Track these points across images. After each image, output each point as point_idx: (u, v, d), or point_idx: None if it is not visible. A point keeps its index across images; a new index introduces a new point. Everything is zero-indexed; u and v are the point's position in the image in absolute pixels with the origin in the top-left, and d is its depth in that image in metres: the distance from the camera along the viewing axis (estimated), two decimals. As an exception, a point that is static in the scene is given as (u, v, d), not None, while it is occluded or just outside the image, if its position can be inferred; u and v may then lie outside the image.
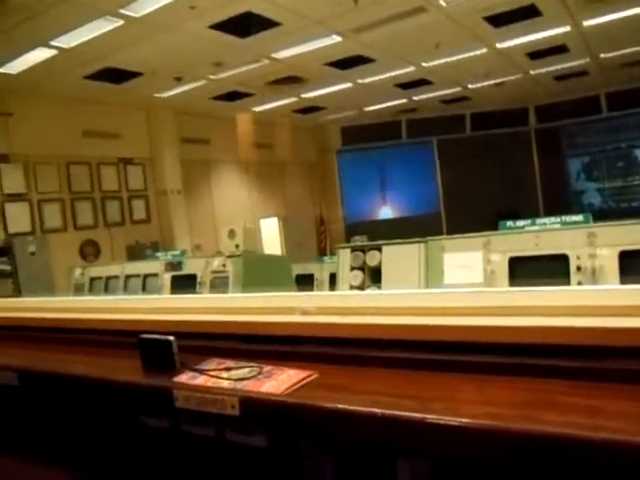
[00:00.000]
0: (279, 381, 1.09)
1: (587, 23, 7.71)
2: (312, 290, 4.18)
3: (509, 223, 2.46)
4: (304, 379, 1.09)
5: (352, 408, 0.97)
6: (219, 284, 3.26)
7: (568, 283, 2.20)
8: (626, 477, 0.74)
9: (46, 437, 1.24)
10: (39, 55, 6.80)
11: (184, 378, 1.19)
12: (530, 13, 7.09)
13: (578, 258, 2.19)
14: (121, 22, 6.06)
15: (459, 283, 2.38)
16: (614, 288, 1.76)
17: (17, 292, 7.20)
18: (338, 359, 1.19)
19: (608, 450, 0.75)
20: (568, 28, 7.85)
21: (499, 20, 7.24)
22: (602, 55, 9.50)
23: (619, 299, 1.09)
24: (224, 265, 3.28)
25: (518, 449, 0.84)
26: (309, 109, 11.45)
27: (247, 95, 9.87)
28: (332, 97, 10.47)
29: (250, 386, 1.09)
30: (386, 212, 13.63)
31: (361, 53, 8.20)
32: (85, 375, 1.39)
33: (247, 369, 1.18)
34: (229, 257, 3.34)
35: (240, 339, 1.37)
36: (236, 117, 11.24)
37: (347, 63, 8.57)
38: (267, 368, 1.17)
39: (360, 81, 9.70)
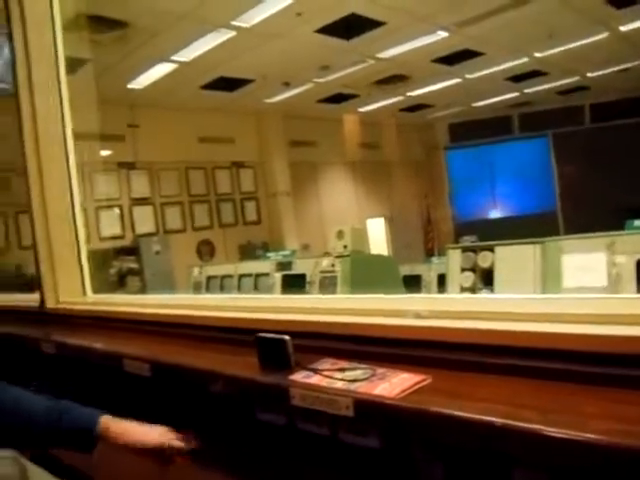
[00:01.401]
0: (392, 384, 1.09)
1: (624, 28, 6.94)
2: (419, 291, 4.13)
3: (637, 222, 2.27)
4: (418, 383, 1.09)
5: (468, 415, 0.95)
6: (328, 284, 3.32)
7: None
8: None
9: (171, 426, 1.34)
10: (161, 70, 7.35)
11: (299, 377, 1.23)
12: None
13: None
14: (233, 33, 6.37)
15: (580, 287, 2.24)
16: None
17: (143, 288, 7.82)
18: (452, 364, 1.17)
19: None
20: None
21: (621, 0, 6.69)
22: None
23: None
24: (332, 265, 3.34)
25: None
26: (415, 107, 11.30)
27: (352, 96, 9.94)
28: (439, 94, 10.26)
29: (363, 388, 1.10)
30: (497, 211, 13.09)
31: (468, 47, 7.96)
32: (208, 369, 1.49)
33: (360, 370, 1.19)
34: (337, 257, 3.40)
35: (353, 340, 1.39)
36: (342, 118, 11.37)
37: (454, 58, 8.35)
38: (380, 370, 1.18)
39: (468, 76, 9.41)
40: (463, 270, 2.59)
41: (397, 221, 12.19)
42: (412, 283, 4.19)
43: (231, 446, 1.53)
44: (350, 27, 6.63)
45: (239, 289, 4.28)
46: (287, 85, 8.78)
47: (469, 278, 2.56)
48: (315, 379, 1.20)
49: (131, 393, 1.78)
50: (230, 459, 1.49)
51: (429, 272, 4.26)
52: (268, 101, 9.53)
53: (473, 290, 2.54)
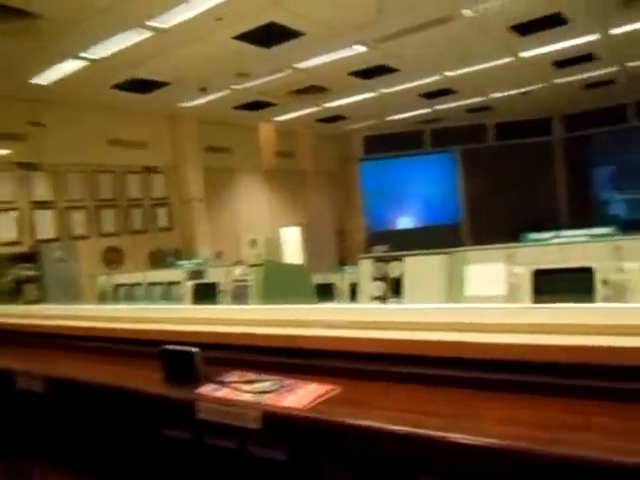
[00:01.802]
0: (300, 395, 1.08)
1: (615, 31, 7.60)
2: (332, 300, 4.18)
3: (533, 235, 2.43)
4: (326, 394, 1.09)
5: (374, 425, 0.96)
6: (240, 293, 3.28)
7: (593, 297, 2.16)
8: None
9: (69, 445, 1.25)
10: (70, 66, 6.96)
11: (207, 390, 1.20)
12: (556, 22, 7.03)
13: (604, 272, 2.14)
14: (149, 34, 6.17)
15: (482, 295, 2.36)
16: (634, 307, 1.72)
17: (42, 298, 7.32)
18: (361, 374, 1.18)
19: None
20: (595, 36, 7.75)
21: (525, 29, 7.18)
22: (630, 64, 9.36)
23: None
24: (246, 274, 3.30)
25: (546, 472, 0.82)
26: (332, 118, 11.48)
27: (270, 105, 9.94)
28: (355, 106, 10.49)
29: (272, 400, 1.09)
30: (408, 222, 13.57)
31: (385, 63, 8.21)
32: (108, 384, 1.41)
33: (269, 382, 1.18)
34: (251, 266, 3.36)
35: (263, 351, 1.37)
36: (259, 126, 11.33)
37: (371, 72, 8.58)
38: (289, 381, 1.17)
39: (384, 90, 9.70)
40: (374, 280, 2.64)
41: (312, 230, 12.30)
42: (325, 292, 4.23)
43: (137, 464, 1.46)
44: (270, 36, 6.63)
45: (148, 298, 4.13)
46: (204, 90, 8.63)
47: (380, 287, 2.62)
48: (223, 392, 1.17)
49: (24, 412, 1.65)
50: (137, 478, 1.41)
51: (342, 281, 4.32)
52: (184, 105, 9.32)
53: (384, 299, 2.60)
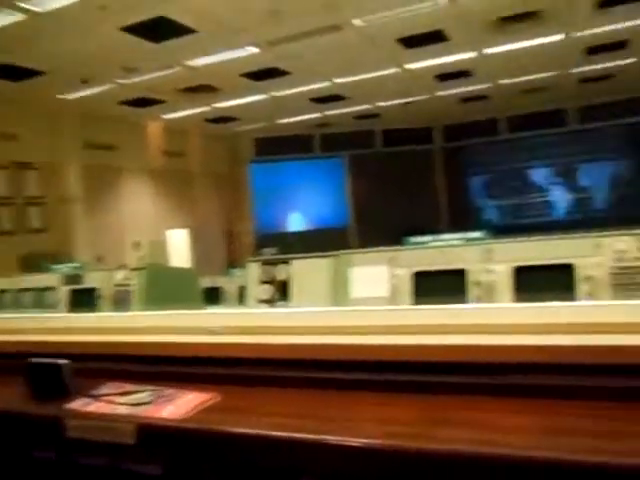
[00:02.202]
0: (179, 405, 1.05)
1: (490, 51, 8.22)
2: (220, 304, 4.10)
3: (413, 239, 2.55)
4: (205, 402, 1.06)
5: (253, 432, 0.95)
6: (122, 298, 3.11)
7: (466, 298, 2.30)
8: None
9: None
10: None
11: (77, 405, 1.12)
12: (438, 38, 7.46)
13: (475, 273, 2.30)
14: (21, 16, 5.69)
15: (366, 297, 2.43)
16: (513, 306, 1.84)
17: None
18: (243, 380, 1.17)
19: (505, 464, 0.78)
20: (472, 54, 8.33)
21: (410, 42, 7.55)
22: (503, 81, 10.17)
23: (516, 317, 1.15)
24: (128, 278, 3.14)
25: (417, 467, 0.86)
26: (222, 119, 11.31)
27: (158, 102, 9.59)
28: (246, 108, 10.42)
29: (148, 411, 1.04)
30: (297, 225, 13.70)
31: (277, 65, 8.23)
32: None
33: (146, 393, 1.12)
34: (133, 270, 3.21)
35: (143, 361, 1.31)
36: (146, 124, 10.88)
37: (262, 75, 8.57)
38: (168, 391, 1.12)
39: (275, 93, 9.73)
40: (262, 283, 2.63)
41: (200, 232, 12.02)
42: (213, 295, 4.14)
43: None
44: (159, 30, 6.39)
45: (20, 306, 3.79)
46: (86, 83, 8.12)
47: (267, 291, 2.62)
48: (94, 406, 1.10)
49: None
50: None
51: (230, 284, 4.26)
52: (63, 97, 8.70)
53: (271, 302, 2.60)
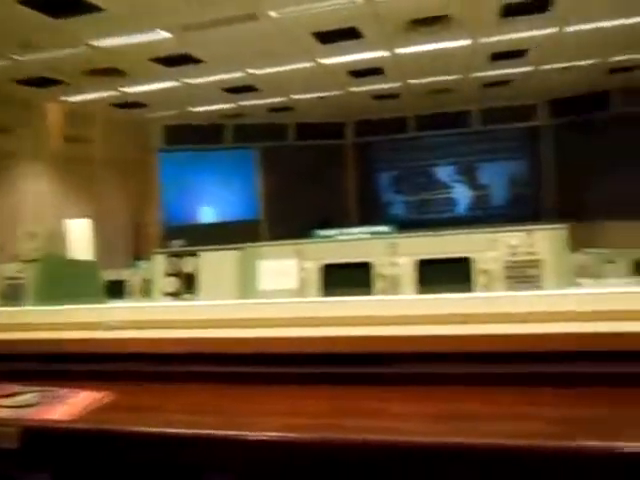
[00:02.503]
0: (69, 406, 0.99)
1: (401, 51, 8.46)
2: (124, 298, 3.94)
3: (322, 232, 2.58)
4: (98, 401, 1.01)
5: (149, 430, 0.92)
6: (12, 293, 2.90)
7: (372, 290, 2.37)
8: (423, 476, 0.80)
9: None
10: None
11: (-47, 408, 1.02)
12: (352, 35, 7.57)
13: (380, 266, 2.37)
14: None
15: (274, 289, 2.43)
16: (411, 298, 1.91)
17: None
18: (141, 377, 1.12)
19: (406, 450, 0.81)
20: (384, 53, 8.53)
21: (325, 37, 7.60)
22: (412, 81, 10.51)
23: (416, 309, 1.19)
24: (20, 271, 2.93)
25: (324, 458, 0.86)
26: (130, 104, 10.83)
27: (60, 83, 9.01)
28: (156, 94, 10.04)
29: (34, 413, 0.97)
30: (207, 216, 13.43)
31: (189, 52, 7.99)
32: None
33: (34, 394, 1.05)
34: (26, 262, 2.99)
35: (34, 359, 1.23)
36: (45, 106, 10.19)
37: (174, 61, 8.28)
38: (60, 391, 1.06)
39: (186, 81, 9.45)
40: (168, 275, 2.56)
41: (104, 223, 11.45)
42: (116, 289, 3.97)
43: None
44: (61, 5, 6.00)
45: None
46: (-26, 57, 7.47)
47: (173, 283, 2.54)
48: (-26, 409, 1.01)
49: None
50: None
51: (135, 277, 4.10)
52: (-53, 72, 7.96)
53: (177, 295, 2.53)
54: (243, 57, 8.40)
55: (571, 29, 7.83)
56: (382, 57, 8.73)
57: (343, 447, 0.82)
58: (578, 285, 6.78)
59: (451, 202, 13.87)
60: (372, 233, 2.60)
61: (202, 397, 1.05)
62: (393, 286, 2.38)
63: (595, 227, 11.74)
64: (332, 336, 1.13)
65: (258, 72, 9.23)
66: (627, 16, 7.50)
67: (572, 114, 12.27)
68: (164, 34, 7.14)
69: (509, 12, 7.06)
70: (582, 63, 9.78)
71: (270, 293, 2.36)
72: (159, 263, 2.60)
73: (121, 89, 9.71)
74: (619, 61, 9.77)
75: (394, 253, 2.38)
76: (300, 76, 9.46)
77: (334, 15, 6.80)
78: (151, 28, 6.93)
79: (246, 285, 2.41)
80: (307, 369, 1.08)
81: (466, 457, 0.75)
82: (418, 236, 2.43)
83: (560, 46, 8.60)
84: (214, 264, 2.52)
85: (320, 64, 8.93)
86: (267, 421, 0.94)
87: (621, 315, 0.95)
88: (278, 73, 9.21)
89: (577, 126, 12.16)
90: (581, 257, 6.81)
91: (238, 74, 9.29)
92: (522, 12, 7.07)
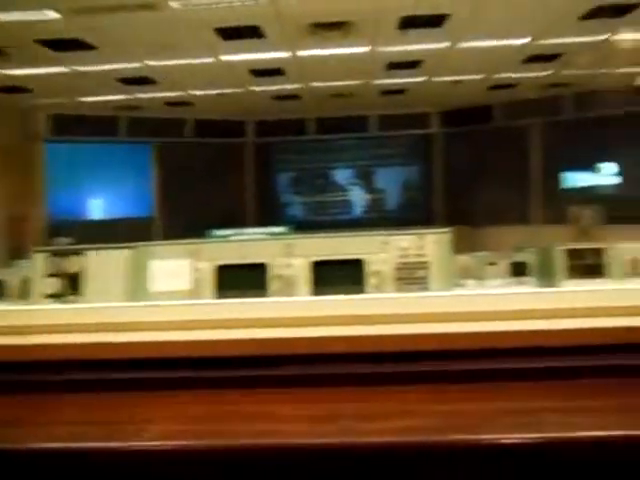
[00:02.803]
0: None
1: (303, 53, 8.54)
2: (1, 299, 3.63)
3: (217, 232, 2.54)
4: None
5: (27, 446, 0.85)
6: None
7: (267, 291, 2.37)
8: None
9: None
10: None
11: None
12: (255, 34, 7.51)
13: (276, 267, 2.38)
14: None
15: (167, 290, 2.36)
16: (309, 300, 1.93)
17: None
18: (12, 387, 1.04)
19: (290, 452, 0.81)
20: (287, 54, 8.57)
21: (227, 34, 7.48)
22: (314, 84, 10.65)
23: (312, 310, 1.20)
24: None
25: (204, 463, 0.85)
26: (12, 89, 10.00)
27: None
28: (42, 79, 9.36)
29: None
30: (97, 213, 12.73)
31: (81, 37, 7.52)
32: None
33: None
34: None
35: None
36: None
37: (63, 45, 7.75)
38: None
39: (77, 68, 8.90)
40: (49, 275, 2.39)
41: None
42: (-9, 289, 3.64)
43: None
44: None
45: None
46: None
47: (55, 284, 2.38)
48: None
49: None
50: None
51: (13, 277, 3.78)
52: None
53: (60, 297, 2.37)
54: (140, 47, 8.06)
55: (462, 45, 8.34)
56: (284, 58, 8.76)
57: (224, 452, 0.81)
58: (462, 286, 7.23)
59: (348, 204, 14.25)
60: (268, 234, 2.59)
61: (80, 407, 0.99)
62: (288, 287, 2.40)
63: (479, 231, 12.60)
64: (224, 339, 1.11)
65: (156, 64, 8.90)
66: (510, 38, 8.12)
67: (460, 125, 13.09)
68: (52, 14, 6.66)
69: (407, 24, 7.37)
70: (470, 77, 10.45)
71: (162, 295, 2.28)
72: (39, 262, 2.41)
73: (2, 71, 8.95)
74: (501, 78, 10.56)
75: (290, 254, 2.40)
76: (200, 71, 9.26)
77: (237, 12, 6.72)
78: (37, 7, 6.44)
79: (136, 286, 2.31)
80: (192, 373, 1.06)
81: (351, 456, 0.77)
82: (313, 237, 2.47)
83: (451, 60, 9.13)
84: (102, 264, 2.39)
85: (221, 60, 8.79)
86: (149, 429, 0.90)
87: (498, 315, 1.02)
88: (177, 66, 8.94)
89: (464, 136, 13.00)
90: (466, 259, 7.27)
91: (134, 64, 8.89)
92: (419, 25, 7.42)
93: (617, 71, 9.96)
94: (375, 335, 1.02)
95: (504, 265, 7.37)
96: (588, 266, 5.89)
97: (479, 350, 0.86)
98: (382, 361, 0.95)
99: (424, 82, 10.70)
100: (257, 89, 10.81)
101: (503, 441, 0.75)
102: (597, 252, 5.91)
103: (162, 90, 10.64)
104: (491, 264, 7.33)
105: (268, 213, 13.50)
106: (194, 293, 2.31)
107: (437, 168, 13.85)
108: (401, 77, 10.27)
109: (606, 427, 0.73)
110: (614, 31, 7.65)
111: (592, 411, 0.77)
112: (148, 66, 9.01)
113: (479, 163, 12.66)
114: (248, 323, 1.16)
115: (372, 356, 0.97)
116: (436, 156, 13.83)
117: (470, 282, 7.19)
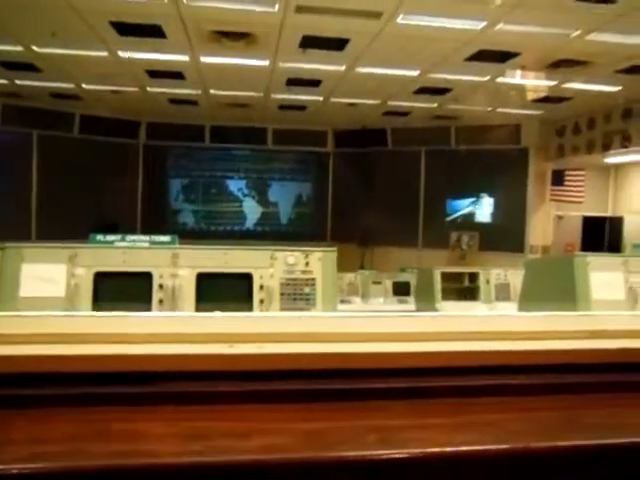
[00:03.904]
0: None
1: (204, 59, 8.42)
2: None
3: (99, 237, 2.42)
4: None
5: None
6: None
7: (150, 301, 2.29)
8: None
9: None
10: None
11: None
12: (156, 33, 7.29)
13: (161, 277, 2.31)
14: None
15: (39, 296, 2.20)
16: (196, 315, 1.89)
17: None
18: None
19: (153, 474, 0.79)
20: (186, 58, 8.39)
21: (125, 29, 7.18)
22: (213, 91, 10.52)
23: (197, 327, 1.17)
24: None
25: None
26: None
27: None
28: None
29: None
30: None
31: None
32: None
33: None
34: None
35: None
36: None
37: None
38: None
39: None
40: None
41: None
42: None
43: None
44: None
45: None
46: None
47: None
48: None
49: None
50: None
51: None
52: None
53: None
54: (27, 30, 7.50)
55: (359, 70, 8.68)
56: (184, 62, 8.58)
57: (89, 474, 0.78)
58: (348, 302, 7.45)
59: (241, 216, 14.15)
60: (154, 242, 2.51)
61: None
62: (173, 298, 2.34)
63: (368, 250, 13.08)
64: (80, 354, 1.06)
65: (44, 51, 8.32)
66: (402, 69, 8.59)
67: (355, 146, 13.57)
68: None
69: (309, 44, 7.55)
70: (365, 102, 10.89)
71: (33, 300, 2.12)
72: None
73: None
74: (394, 105, 11.12)
75: (175, 264, 2.34)
76: (92, 64, 8.80)
77: (138, 8, 6.49)
78: None
79: (4, 291, 2.13)
80: (59, 390, 1.00)
81: (215, 475, 0.77)
82: (201, 248, 2.42)
83: (349, 83, 9.46)
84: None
85: (117, 56, 8.42)
86: (8, 451, 0.84)
87: (364, 337, 1.07)
88: (68, 57, 8.43)
89: (358, 157, 13.50)
90: (352, 277, 7.54)
91: (17, 47, 8.25)
92: (320, 46, 7.62)
93: (498, 110, 10.89)
94: (240, 354, 1.01)
95: (388, 284, 7.75)
96: (463, 289, 6.35)
97: (345, 370, 0.90)
98: (248, 379, 0.95)
99: (322, 101, 10.98)
100: (154, 90, 10.47)
101: (368, 458, 0.79)
102: (471, 276, 6.39)
103: (49, 80, 9.96)
104: (376, 283, 7.67)
105: (157, 219, 13.04)
106: (69, 301, 2.17)
107: (330, 186, 14.22)
108: (300, 94, 10.46)
109: (456, 443, 0.79)
110: (496, 74, 8.36)
111: (444, 427, 0.84)
112: (34, 52, 8.41)
113: (371, 184, 13.19)
114: (118, 338, 1.12)
115: (240, 374, 0.97)
116: (330, 174, 14.19)
117: (355, 299, 7.47)
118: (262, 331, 1.00)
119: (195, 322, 1.17)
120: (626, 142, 10.07)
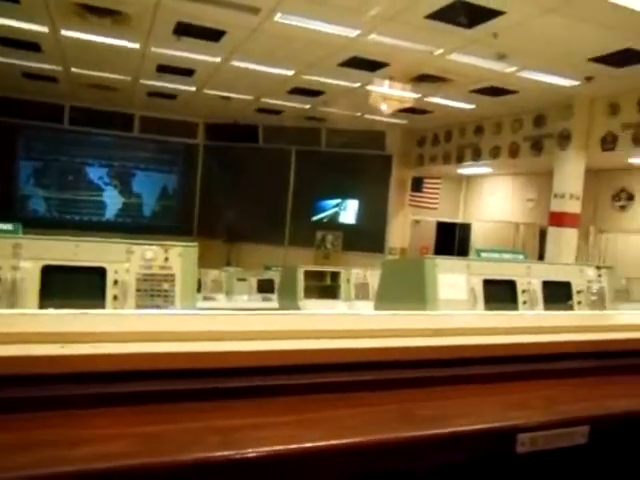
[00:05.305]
0: None
1: (65, 33, 7.76)
2: None
3: None
4: None
5: None
6: None
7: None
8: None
9: None
10: None
11: None
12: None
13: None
14: None
15: None
16: (20, 313, 1.75)
17: None
18: None
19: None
20: (45, 29, 7.69)
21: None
22: (75, 69, 9.75)
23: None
24: None
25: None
26: None
27: None
28: None
29: None
30: None
31: None
32: None
33: None
34: None
35: None
36: None
37: None
38: None
39: None
40: None
41: None
42: None
43: None
44: None
45: None
46: None
47: None
48: None
49: None
50: None
51: None
52: None
53: None
54: None
55: (234, 64, 8.56)
56: (41, 32, 7.84)
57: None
58: (211, 299, 7.34)
59: (101, 205, 13.26)
60: (-6, 230, 2.26)
61: None
62: (13, 293, 2.12)
63: (234, 247, 12.97)
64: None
65: None
66: (277, 67, 8.63)
67: (226, 140, 13.36)
68: None
69: (183, 31, 7.28)
70: (239, 96, 10.78)
71: None
72: None
73: None
74: (268, 103, 11.15)
75: (17, 255, 2.12)
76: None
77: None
78: None
79: None
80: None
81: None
82: (48, 239, 2.22)
83: (223, 76, 9.30)
84: None
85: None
86: None
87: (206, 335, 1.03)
88: None
89: (229, 151, 13.31)
90: (217, 274, 7.41)
91: None
92: (196, 35, 7.38)
93: (366, 116, 11.36)
94: (73, 355, 0.92)
95: (253, 282, 7.73)
96: (325, 287, 6.53)
97: (188, 370, 0.88)
98: (81, 382, 0.87)
99: (195, 92, 10.67)
100: (5, 60, 9.45)
101: (212, 459, 0.77)
102: (333, 275, 6.60)
103: None
104: (240, 280, 7.61)
105: (3, 205, 11.74)
106: None
107: (198, 179, 13.86)
108: (171, 82, 10.08)
109: (301, 440, 0.80)
110: (366, 82, 8.71)
111: (283, 426, 0.84)
112: None
113: (240, 180, 13.07)
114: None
115: (72, 377, 0.89)
116: (199, 167, 13.84)
117: (219, 297, 7.35)
118: (97, 330, 0.93)
119: (23, 320, 1.07)
120: (476, 156, 11.07)
